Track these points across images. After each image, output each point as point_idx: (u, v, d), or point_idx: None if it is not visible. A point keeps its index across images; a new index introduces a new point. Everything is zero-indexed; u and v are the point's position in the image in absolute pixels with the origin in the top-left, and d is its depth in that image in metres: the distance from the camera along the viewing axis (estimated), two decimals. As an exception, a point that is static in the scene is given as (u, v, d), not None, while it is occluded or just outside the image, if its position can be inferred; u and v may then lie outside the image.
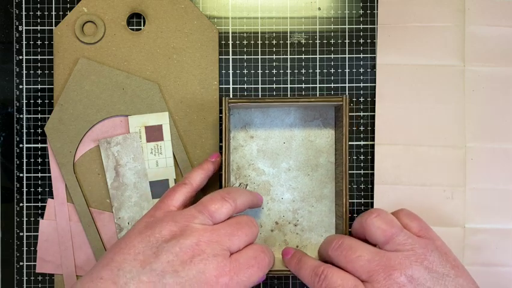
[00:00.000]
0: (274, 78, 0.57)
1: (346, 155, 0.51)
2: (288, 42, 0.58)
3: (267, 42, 0.58)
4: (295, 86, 0.57)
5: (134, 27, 0.57)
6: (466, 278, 0.45)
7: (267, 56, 0.58)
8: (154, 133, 0.55)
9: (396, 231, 0.46)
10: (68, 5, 0.57)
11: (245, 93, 0.57)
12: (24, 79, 0.57)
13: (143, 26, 0.57)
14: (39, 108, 0.57)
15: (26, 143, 0.57)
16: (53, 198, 0.56)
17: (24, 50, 0.57)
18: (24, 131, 0.57)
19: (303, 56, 0.58)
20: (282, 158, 0.57)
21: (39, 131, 0.57)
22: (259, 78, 0.57)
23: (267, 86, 0.57)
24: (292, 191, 0.57)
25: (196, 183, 0.51)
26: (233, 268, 0.44)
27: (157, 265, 0.42)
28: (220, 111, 0.56)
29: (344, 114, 0.51)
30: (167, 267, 0.42)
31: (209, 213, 0.46)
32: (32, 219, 0.57)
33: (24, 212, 0.57)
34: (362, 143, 0.57)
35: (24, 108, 0.57)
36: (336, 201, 0.56)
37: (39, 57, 0.57)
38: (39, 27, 0.57)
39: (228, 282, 0.43)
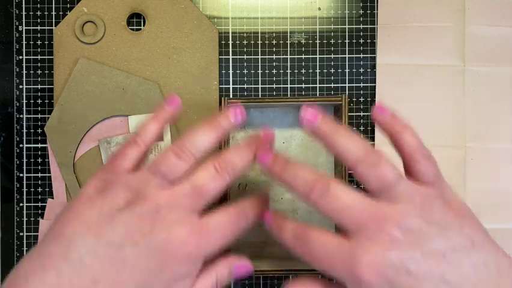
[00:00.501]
0: (274, 78, 0.57)
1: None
2: (288, 42, 0.58)
3: (267, 42, 0.58)
4: (295, 86, 0.57)
5: (134, 27, 0.57)
6: (473, 228, 0.38)
7: (267, 56, 0.58)
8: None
9: (397, 179, 0.38)
10: (68, 5, 0.57)
11: (245, 93, 0.57)
12: (24, 79, 0.57)
13: (143, 26, 0.57)
14: (39, 108, 0.57)
15: (26, 143, 0.57)
16: (53, 198, 0.56)
17: (24, 50, 0.57)
18: (24, 131, 0.57)
19: (303, 56, 0.58)
20: None
21: (39, 131, 0.57)
22: (259, 78, 0.58)
23: (267, 86, 0.57)
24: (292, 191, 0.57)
25: (149, 141, 0.43)
26: (200, 235, 0.39)
27: (114, 237, 0.37)
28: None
29: (344, 114, 0.51)
30: (125, 239, 0.37)
31: (163, 174, 0.40)
32: (32, 219, 0.57)
33: (24, 212, 0.57)
34: (362, 143, 0.57)
35: (24, 108, 0.57)
36: None
37: (39, 57, 0.57)
38: (39, 27, 0.57)
39: (192, 251, 0.39)
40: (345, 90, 0.57)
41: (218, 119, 0.43)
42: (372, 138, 0.57)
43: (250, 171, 0.56)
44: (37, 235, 0.56)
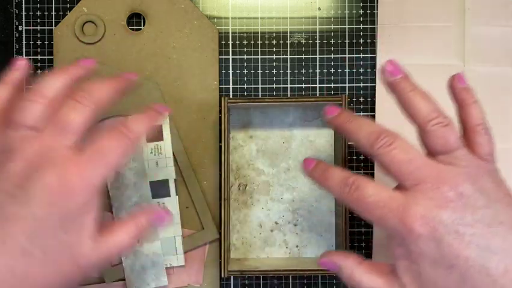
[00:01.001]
0: (274, 78, 0.57)
1: (345, 155, 0.51)
2: (288, 42, 0.58)
3: (267, 42, 0.58)
4: (295, 86, 0.57)
5: (134, 27, 0.57)
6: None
7: (267, 56, 0.58)
8: (153, 133, 0.55)
9: (458, 145, 0.40)
10: (68, 5, 0.57)
11: (245, 93, 0.57)
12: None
13: (143, 26, 0.57)
14: (39, 108, 0.57)
15: (26, 143, 0.57)
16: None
17: (24, 50, 0.57)
18: (24, 131, 0.57)
19: (303, 56, 0.58)
20: (282, 158, 0.57)
21: (39, 131, 0.57)
22: (259, 78, 0.58)
23: (267, 86, 0.57)
24: (292, 191, 0.57)
25: (3, 103, 0.41)
26: (77, 165, 0.38)
27: None
28: (220, 111, 0.56)
29: None
30: (5, 197, 0.37)
31: (17, 122, 0.38)
32: (32, 219, 0.57)
33: (24, 212, 0.57)
34: (362, 143, 0.57)
35: (24, 108, 0.57)
36: (336, 200, 0.56)
37: (39, 57, 0.57)
38: (39, 27, 0.57)
39: (76, 184, 0.37)
40: (345, 90, 0.57)
41: (68, 66, 0.42)
42: (372, 138, 0.57)
43: (251, 171, 0.56)
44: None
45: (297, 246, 0.57)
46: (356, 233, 0.57)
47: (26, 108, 0.39)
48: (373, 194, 0.40)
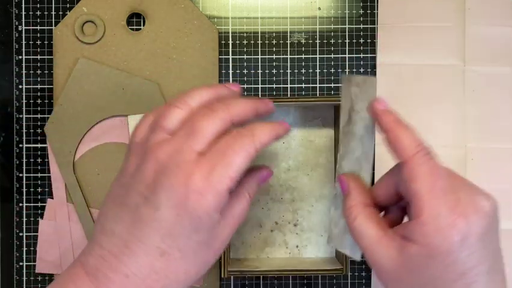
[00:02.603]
0: (274, 78, 0.57)
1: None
2: (288, 42, 0.58)
3: (267, 42, 0.58)
4: (295, 86, 0.57)
5: (134, 27, 0.57)
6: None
7: (267, 56, 0.58)
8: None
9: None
10: (68, 5, 0.57)
11: (245, 93, 0.57)
12: (24, 79, 0.57)
13: (143, 25, 0.57)
14: (39, 108, 0.57)
15: (26, 143, 0.57)
16: (52, 198, 0.56)
17: (24, 49, 0.57)
18: (24, 131, 0.57)
19: (303, 56, 0.58)
20: (282, 158, 0.57)
21: (39, 131, 0.57)
22: (259, 78, 0.57)
23: (267, 86, 0.57)
24: (292, 191, 0.57)
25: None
26: (203, 167, 0.38)
27: (129, 200, 0.40)
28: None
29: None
30: (137, 199, 0.39)
31: (159, 126, 0.41)
32: (32, 219, 0.57)
33: (24, 212, 0.57)
34: (362, 143, 0.57)
35: (24, 108, 0.57)
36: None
37: (39, 57, 0.57)
38: (39, 27, 0.57)
39: (203, 186, 0.38)
40: (346, 90, 0.57)
41: (215, 84, 0.46)
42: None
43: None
44: (37, 235, 0.56)
45: (297, 246, 0.57)
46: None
47: (169, 114, 0.41)
48: (445, 173, 0.39)
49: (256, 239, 0.57)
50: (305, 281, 0.57)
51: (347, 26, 0.58)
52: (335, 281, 0.57)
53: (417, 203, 0.38)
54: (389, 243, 0.40)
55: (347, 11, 0.58)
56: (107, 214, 0.41)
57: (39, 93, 0.57)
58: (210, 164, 0.39)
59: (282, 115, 0.56)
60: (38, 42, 0.57)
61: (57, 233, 0.56)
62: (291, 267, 0.53)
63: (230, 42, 0.58)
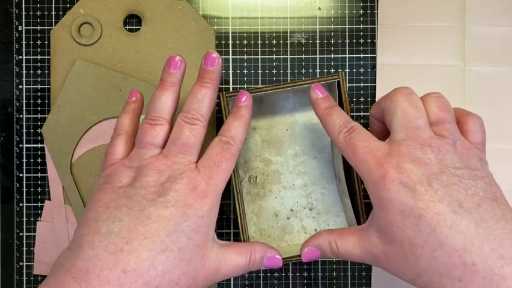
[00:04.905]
0: (274, 78, 0.57)
1: None
2: (288, 42, 0.57)
3: (267, 42, 0.57)
4: (295, 86, 0.57)
5: (133, 28, 0.57)
6: (497, 188, 0.42)
7: (267, 56, 0.57)
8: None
9: (450, 119, 0.44)
10: (68, 5, 0.57)
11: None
12: (24, 79, 0.57)
13: (140, 27, 0.57)
14: (39, 108, 0.57)
15: (26, 143, 0.57)
16: (50, 200, 0.56)
17: (24, 50, 0.57)
18: (24, 131, 0.57)
19: (303, 56, 0.57)
20: (288, 145, 0.57)
21: (39, 131, 0.57)
22: (259, 78, 0.57)
23: (266, 86, 0.57)
24: (302, 176, 0.57)
25: (130, 129, 0.49)
26: (203, 174, 0.44)
27: (133, 204, 0.42)
28: (219, 112, 0.56)
29: (343, 92, 0.51)
30: (143, 201, 0.42)
31: (149, 144, 0.45)
32: (32, 219, 0.57)
33: (24, 212, 0.57)
34: (361, 143, 0.57)
35: (24, 108, 0.57)
36: (346, 179, 0.55)
37: (39, 57, 0.57)
38: (39, 27, 0.57)
39: (206, 189, 0.43)
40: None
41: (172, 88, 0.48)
42: (372, 139, 0.57)
43: (259, 163, 0.56)
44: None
45: (315, 230, 0.56)
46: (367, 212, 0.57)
47: (151, 130, 0.46)
48: (364, 140, 0.44)
49: (274, 229, 0.57)
50: (305, 281, 0.57)
51: (347, 26, 0.58)
52: (335, 281, 0.57)
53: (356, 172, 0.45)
54: (366, 233, 0.44)
55: (347, 11, 0.58)
56: (97, 218, 0.42)
57: (39, 94, 0.57)
58: (208, 171, 0.44)
59: (281, 102, 0.56)
60: (38, 42, 0.57)
61: (54, 234, 0.56)
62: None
63: (230, 42, 0.58)
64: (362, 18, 0.58)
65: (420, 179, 0.40)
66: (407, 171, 0.41)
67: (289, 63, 0.57)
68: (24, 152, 0.57)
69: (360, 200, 0.51)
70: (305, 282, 0.57)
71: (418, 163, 0.41)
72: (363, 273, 0.57)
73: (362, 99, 0.57)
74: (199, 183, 0.43)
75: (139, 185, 0.43)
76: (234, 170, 0.50)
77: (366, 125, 0.57)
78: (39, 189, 0.57)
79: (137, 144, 0.46)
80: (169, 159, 0.44)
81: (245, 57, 0.58)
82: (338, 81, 0.51)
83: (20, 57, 0.57)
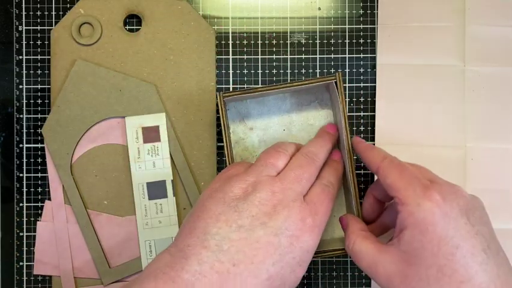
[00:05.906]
0: (274, 78, 0.57)
1: (347, 131, 0.51)
2: (288, 42, 0.57)
3: (267, 42, 0.57)
4: (295, 86, 0.57)
5: (133, 28, 0.57)
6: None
7: (267, 56, 0.57)
8: (151, 134, 0.55)
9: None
10: (68, 5, 0.57)
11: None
12: (24, 79, 0.57)
13: (140, 27, 0.57)
14: (39, 108, 0.57)
15: (26, 143, 0.57)
16: (50, 200, 0.56)
17: (24, 50, 0.57)
18: (24, 131, 0.57)
19: (303, 56, 0.57)
20: None
21: (39, 131, 0.57)
22: (259, 78, 0.57)
23: (266, 86, 0.57)
24: None
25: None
26: (311, 209, 0.44)
27: (243, 221, 0.42)
28: (217, 112, 0.56)
29: (340, 92, 0.51)
30: (253, 221, 0.42)
31: (271, 164, 0.46)
32: (32, 219, 0.57)
33: (24, 212, 0.57)
34: (361, 143, 0.57)
35: (24, 108, 0.57)
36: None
37: (39, 57, 0.57)
38: (39, 27, 0.57)
39: (313, 224, 0.44)
40: (346, 90, 0.57)
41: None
42: (373, 138, 0.57)
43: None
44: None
45: None
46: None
47: (278, 157, 0.47)
48: (410, 169, 0.45)
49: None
50: (305, 281, 0.57)
51: (347, 26, 0.58)
52: (334, 281, 0.57)
53: (395, 194, 0.43)
54: (387, 248, 0.44)
55: (347, 11, 0.58)
56: (206, 230, 0.42)
57: (39, 94, 0.57)
58: (314, 207, 0.45)
59: (278, 103, 0.56)
60: (39, 42, 0.57)
61: (54, 234, 0.56)
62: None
63: (230, 42, 0.57)
64: (362, 18, 0.58)
65: (461, 211, 0.41)
66: (450, 200, 0.41)
67: (289, 63, 0.57)
68: (24, 152, 0.57)
69: (356, 201, 0.52)
70: (305, 282, 0.57)
71: (459, 196, 0.42)
72: (363, 273, 0.57)
73: (362, 99, 0.57)
74: (307, 216, 0.44)
75: (251, 201, 0.43)
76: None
77: (366, 125, 0.57)
78: (39, 189, 0.57)
79: (260, 161, 0.47)
80: (283, 184, 0.45)
81: (245, 57, 0.58)
82: (335, 82, 0.51)
83: (20, 57, 0.57)
